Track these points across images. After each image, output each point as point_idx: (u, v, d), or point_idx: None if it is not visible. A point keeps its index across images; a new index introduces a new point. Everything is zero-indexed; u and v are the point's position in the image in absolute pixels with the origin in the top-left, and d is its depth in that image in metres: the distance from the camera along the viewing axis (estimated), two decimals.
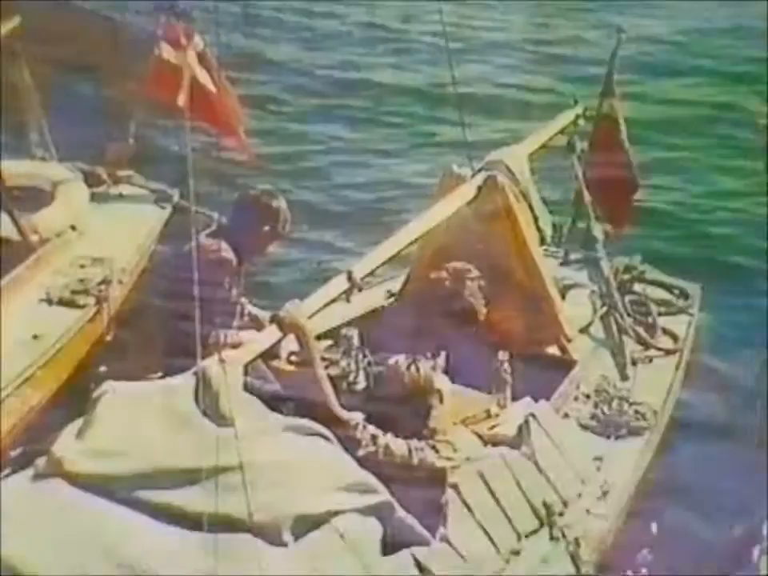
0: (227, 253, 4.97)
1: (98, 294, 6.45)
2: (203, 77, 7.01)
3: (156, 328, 5.19)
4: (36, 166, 7.32)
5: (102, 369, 5.73)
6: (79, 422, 3.87)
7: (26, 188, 7.04)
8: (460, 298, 5.28)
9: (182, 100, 6.98)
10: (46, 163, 7.36)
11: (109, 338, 6.57)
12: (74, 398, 5.79)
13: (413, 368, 4.38)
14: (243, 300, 5.35)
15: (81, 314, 6.34)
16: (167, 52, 7.01)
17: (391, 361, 4.47)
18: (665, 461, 5.57)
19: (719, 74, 12.02)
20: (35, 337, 6.03)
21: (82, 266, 6.63)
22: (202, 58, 7.04)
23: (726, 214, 9.30)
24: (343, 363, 4.94)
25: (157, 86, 7.15)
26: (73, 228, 6.91)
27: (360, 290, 4.64)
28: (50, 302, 6.36)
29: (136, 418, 3.80)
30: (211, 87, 7.04)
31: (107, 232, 6.78)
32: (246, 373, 4.12)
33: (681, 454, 5.92)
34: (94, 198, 7.25)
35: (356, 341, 4.98)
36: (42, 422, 5.83)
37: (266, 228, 5.14)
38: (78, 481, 3.60)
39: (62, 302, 6.37)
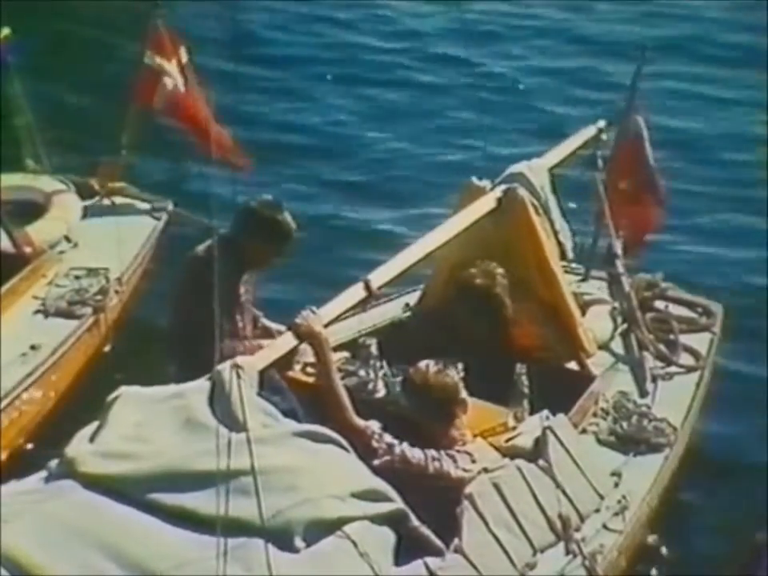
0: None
1: (96, 305, 6.47)
2: (181, 83, 7.09)
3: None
4: (28, 178, 7.35)
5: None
6: (93, 425, 3.88)
7: (19, 201, 7.10)
8: (491, 295, 5.24)
9: (157, 102, 7.13)
10: (38, 176, 7.38)
11: (107, 348, 6.60)
12: (73, 408, 5.84)
13: (442, 374, 4.34)
14: (257, 313, 5.33)
15: (78, 324, 6.36)
16: (149, 57, 7.10)
17: (421, 365, 4.39)
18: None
19: None
20: (33, 347, 6.05)
21: (78, 277, 6.66)
22: (184, 68, 7.13)
23: None
24: (362, 372, 4.92)
25: (139, 90, 7.25)
26: (67, 239, 6.95)
27: (377, 298, 4.63)
28: (46, 313, 6.39)
29: (149, 421, 3.80)
30: (187, 94, 7.11)
31: (101, 243, 6.79)
32: (261, 386, 4.09)
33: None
34: (87, 209, 7.28)
35: (374, 350, 4.96)
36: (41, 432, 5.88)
37: (269, 242, 5.00)
38: (90, 482, 3.60)
39: (58, 313, 6.39)
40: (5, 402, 5.72)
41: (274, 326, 5.29)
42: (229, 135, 7.10)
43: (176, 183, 8.39)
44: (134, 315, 6.91)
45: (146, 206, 7.46)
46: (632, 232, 6.57)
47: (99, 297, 6.51)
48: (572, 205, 5.98)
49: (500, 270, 5.31)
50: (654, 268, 6.64)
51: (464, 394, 4.37)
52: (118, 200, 7.41)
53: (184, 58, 7.13)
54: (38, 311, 6.40)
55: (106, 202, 7.34)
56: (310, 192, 8.97)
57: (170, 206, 7.44)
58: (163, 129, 7.85)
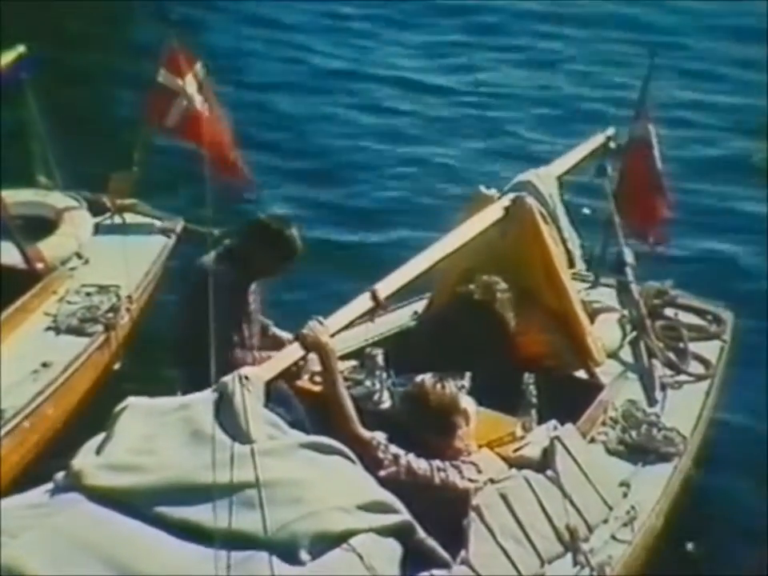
0: (224, 276, 4.88)
1: (107, 322, 6.47)
2: (199, 102, 7.08)
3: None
4: (40, 194, 7.37)
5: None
6: (99, 437, 3.87)
7: (30, 216, 7.12)
8: (491, 310, 5.24)
9: (170, 122, 7.13)
10: (49, 192, 7.40)
11: (117, 366, 6.60)
12: (83, 426, 5.82)
13: (438, 387, 4.33)
14: (267, 321, 5.33)
15: (89, 341, 6.35)
16: (163, 77, 7.10)
17: (417, 379, 4.42)
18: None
19: None
20: (44, 365, 6.05)
21: (89, 294, 6.67)
22: (201, 85, 7.13)
23: None
24: (368, 383, 4.91)
25: (151, 109, 7.26)
26: (78, 256, 6.97)
27: (384, 308, 4.62)
28: (57, 330, 6.39)
29: (156, 433, 3.79)
30: (205, 112, 7.09)
31: (112, 260, 6.77)
32: (268, 398, 4.08)
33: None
34: (98, 226, 7.29)
35: (380, 360, 4.95)
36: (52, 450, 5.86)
37: (275, 255, 5.03)
38: (96, 495, 3.58)
39: (69, 330, 6.39)
40: (16, 420, 5.71)
41: (284, 334, 5.28)
42: (241, 159, 7.14)
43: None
44: (144, 333, 6.90)
45: (157, 222, 7.46)
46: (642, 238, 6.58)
47: (110, 314, 6.52)
48: (586, 211, 5.97)
49: (501, 285, 5.31)
50: None
51: (465, 404, 4.36)
52: (129, 217, 7.42)
53: (200, 76, 7.11)
54: (49, 328, 6.41)
55: (117, 218, 7.34)
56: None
57: (181, 224, 7.44)
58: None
